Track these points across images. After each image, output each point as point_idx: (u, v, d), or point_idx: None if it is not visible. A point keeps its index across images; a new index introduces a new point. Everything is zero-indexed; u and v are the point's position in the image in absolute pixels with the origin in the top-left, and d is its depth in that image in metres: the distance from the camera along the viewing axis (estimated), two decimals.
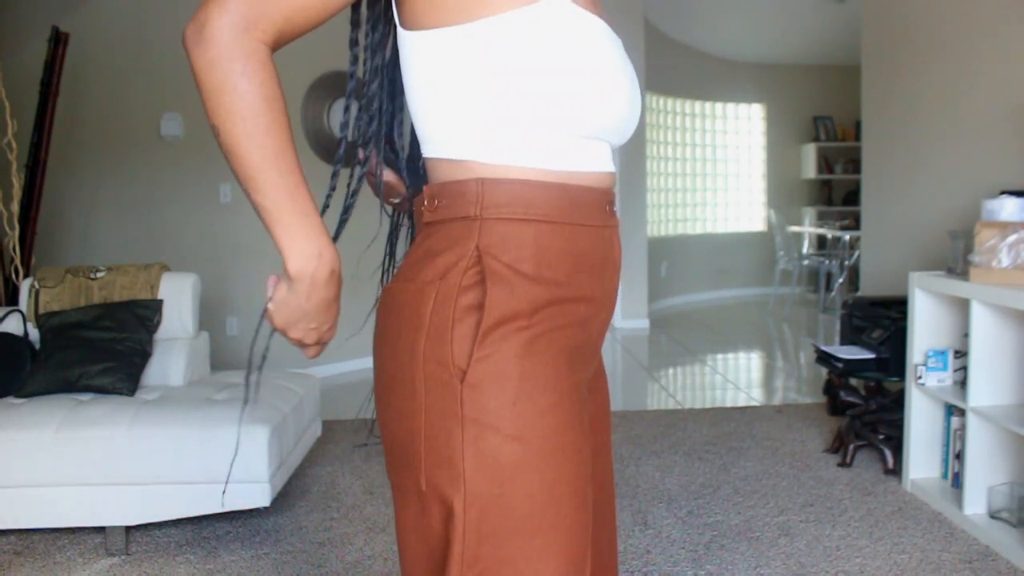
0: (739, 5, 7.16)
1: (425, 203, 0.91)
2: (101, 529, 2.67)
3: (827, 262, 7.77)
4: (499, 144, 0.87)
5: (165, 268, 3.10)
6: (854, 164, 8.41)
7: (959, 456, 2.81)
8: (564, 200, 0.90)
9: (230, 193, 4.81)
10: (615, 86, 0.90)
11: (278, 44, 0.83)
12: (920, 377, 2.94)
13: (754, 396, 4.63)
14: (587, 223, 0.93)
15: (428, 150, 0.93)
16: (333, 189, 0.98)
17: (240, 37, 0.78)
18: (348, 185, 1.00)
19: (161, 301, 3.00)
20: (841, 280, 7.62)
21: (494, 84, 0.85)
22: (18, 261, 3.73)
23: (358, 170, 0.99)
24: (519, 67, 0.84)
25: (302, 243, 0.84)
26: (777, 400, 4.52)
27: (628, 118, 0.94)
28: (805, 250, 8.43)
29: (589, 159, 0.93)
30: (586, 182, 0.93)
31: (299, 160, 0.84)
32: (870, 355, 3.26)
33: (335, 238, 0.93)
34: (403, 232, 1.10)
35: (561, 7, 0.85)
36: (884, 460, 3.20)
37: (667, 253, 8.00)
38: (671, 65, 7.73)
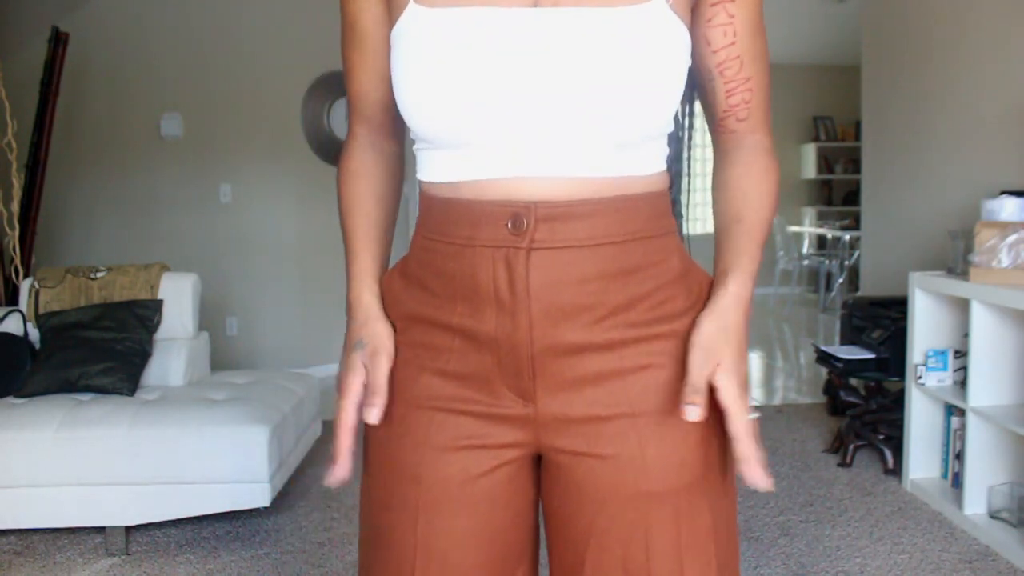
0: None
1: None
2: (101, 529, 2.67)
3: (827, 262, 7.77)
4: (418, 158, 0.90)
5: (165, 268, 3.10)
6: (854, 164, 8.41)
7: (959, 456, 2.81)
8: (440, 214, 0.84)
9: (230, 193, 4.81)
10: (441, 84, 0.79)
11: (377, 126, 0.95)
12: (920, 377, 2.94)
13: (754, 396, 4.63)
14: (467, 242, 0.82)
15: None
16: None
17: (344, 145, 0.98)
18: None
19: (161, 301, 3.00)
20: (841, 280, 7.62)
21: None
22: (18, 261, 3.73)
23: None
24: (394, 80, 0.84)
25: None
26: (777, 400, 4.52)
27: (472, 117, 0.79)
28: (805, 250, 8.43)
29: (462, 167, 0.82)
30: (467, 194, 0.82)
31: (362, 236, 0.94)
32: (870, 355, 3.26)
33: None
34: None
35: (415, 13, 0.81)
36: (884, 460, 3.20)
37: None
38: None
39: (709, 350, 0.82)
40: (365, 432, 0.91)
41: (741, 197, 0.90)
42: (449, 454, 0.84)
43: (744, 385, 0.83)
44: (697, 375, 0.80)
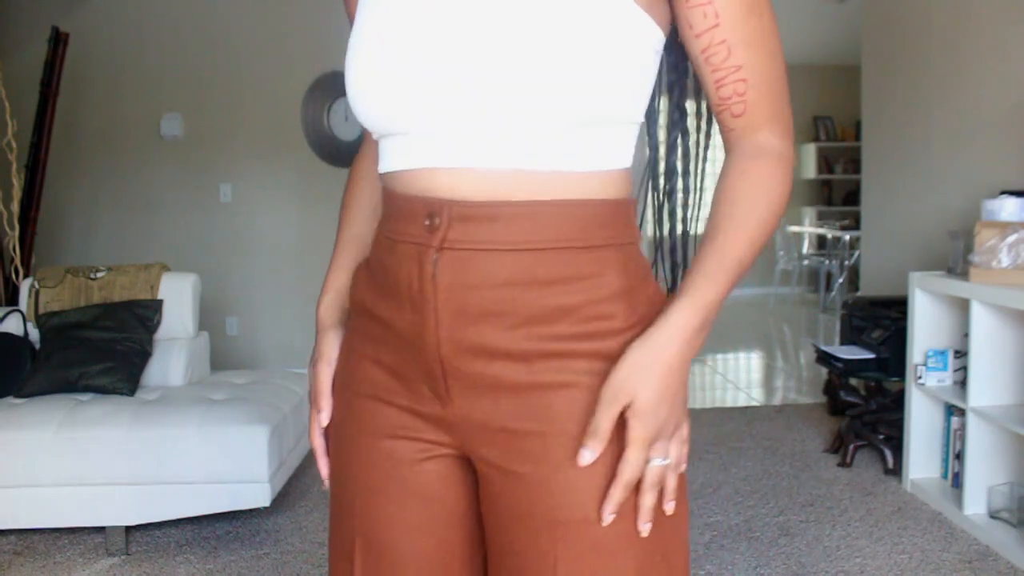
0: None
1: None
2: (101, 529, 2.67)
3: (827, 262, 7.77)
4: None
5: (165, 268, 3.10)
6: (854, 164, 8.41)
7: (959, 456, 2.81)
8: (384, 206, 0.85)
9: (230, 193, 4.81)
10: (366, 66, 0.77)
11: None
12: (920, 377, 2.94)
13: (754, 396, 4.63)
14: (395, 237, 0.81)
15: None
16: None
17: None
18: None
19: (161, 301, 3.00)
20: (841, 280, 7.62)
21: None
22: (18, 261, 3.73)
23: None
24: None
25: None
26: (777, 400, 4.52)
27: (394, 97, 0.76)
28: (805, 250, 8.43)
29: (395, 157, 0.81)
30: (399, 187, 0.81)
31: (340, 247, 0.99)
32: (870, 355, 3.26)
33: None
34: None
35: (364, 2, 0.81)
36: (884, 460, 3.20)
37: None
38: None
39: (621, 387, 0.74)
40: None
41: (727, 209, 0.80)
42: (381, 441, 0.85)
43: (661, 428, 0.75)
44: (601, 414, 0.74)
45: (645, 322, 0.78)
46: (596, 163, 0.78)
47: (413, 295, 0.78)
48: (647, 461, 0.75)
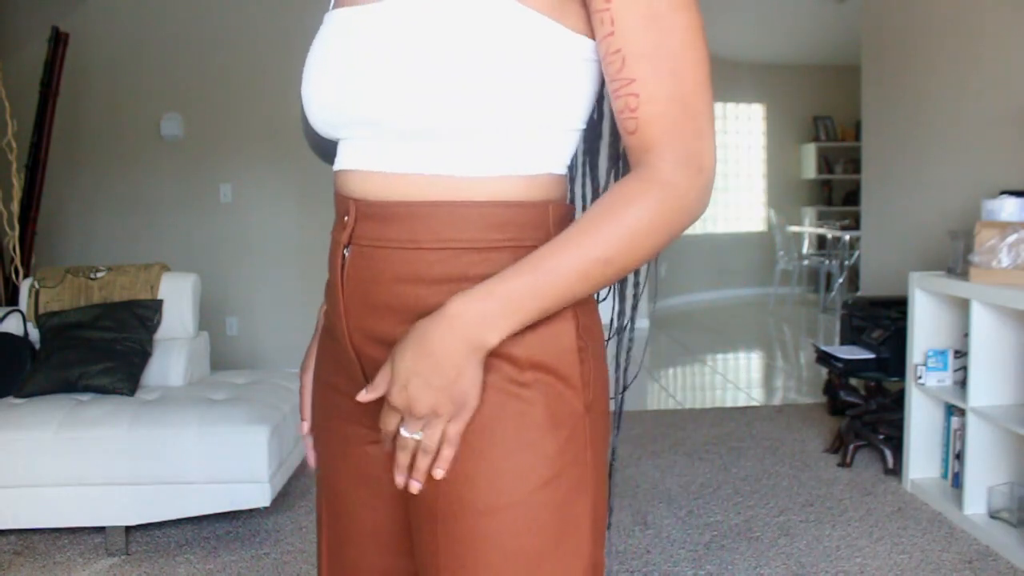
0: (739, 5, 7.15)
1: None
2: (101, 529, 2.67)
3: (827, 262, 7.77)
4: None
5: (165, 268, 3.10)
6: (854, 164, 8.41)
7: (959, 456, 2.81)
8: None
9: (230, 193, 4.81)
10: (307, 77, 0.83)
11: None
12: (920, 377, 2.94)
13: (754, 396, 4.63)
14: (331, 235, 0.86)
15: None
16: None
17: None
18: None
19: (161, 301, 3.00)
20: (841, 280, 7.62)
21: None
22: (18, 261, 3.73)
23: None
24: None
25: None
26: (777, 400, 4.52)
27: (319, 104, 0.81)
28: (805, 250, 8.43)
29: (341, 158, 0.86)
30: (337, 187, 0.86)
31: None
32: (870, 355, 3.26)
33: None
34: None
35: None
36: (884, 460, 3.20)
37: (667, 253, 8.00)
38: None
39: (393, 353, 0.76)
40: None
41: (578, 219, 0.76)
42: (338, 424, 0.91)
43: (409, 403, 0.75)
44: (380, 371, 0.77)
45: (543, 323, 0.77)
46: (503, 168, 0.77)
47: (333, 288, 0.85)
48: (399, 427, 0.77)
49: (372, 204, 0.80)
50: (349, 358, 0.85)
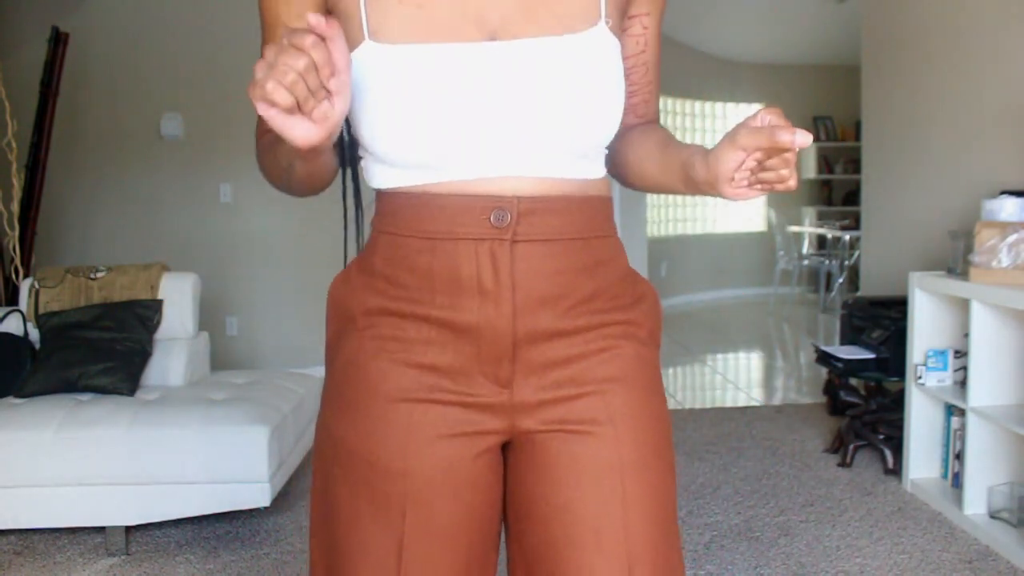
0: (739, 5, 7.15)
1: None
2: (101, 529, 2.67)
3: (827, 262, 7.77)
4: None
5: (165, 268, 3.10)
6: (854, 164, 8.41)
7: (959, 456, 2.81)
8: (410, 212, 0.87)
9: (230, 193, 4.80)
10: (416, 122, 0.82)
11: None
12: (920, 377, 2.94)
13: (754, 396, 4.63)
14: (440, 236, 0.85)
15: None
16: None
17: None
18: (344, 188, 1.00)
19: (161, 301, 3.00)
20: (841, 280, 7.62)
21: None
22: (18, 261, 3.73)
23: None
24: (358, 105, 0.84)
25: None
26: (777, 400, 4.52)
27: (449, 145, 0.83)
28: (805, 250, 8.43)
29: (434, 173, 0.87)
30: (447, 191, 0.85)
31: None
32: (870, 355, 3.26)
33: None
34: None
35: (374, 50, 0.83)
36: (884, 460, 3.20)
37: (667, 253, 8.00)
38: (671, 65, 7.72)
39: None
40: (325, 448, 0.92)
41: (667, 135, 0.97)
42: (435, 443, 0.87)
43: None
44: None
45: (639, 301, 0.95)
46: (602, 170, 0.94)
47: (485, 287, 0.84)
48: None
49: (535, 200, 0.85)
50: (496, 358, 0.86)
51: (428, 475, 0.87)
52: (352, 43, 0.83)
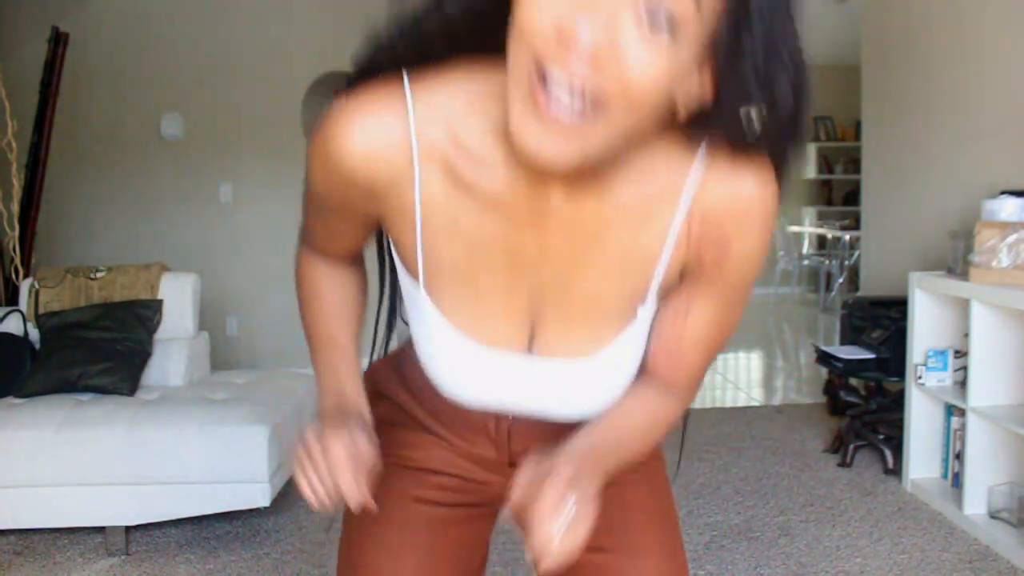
0: None
1: None
2: (101, 529, 2.67)
3: (827, 262, 7.77)
4: None
5: (165, 268, 3.10)
6: (854, 164, 8.40)
7: (959, 456, 2.81)
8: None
9: (230, 193, 4.80)
10: (462, 382, 0.94)
11: (336, 258, 1.01)
12: (920, 377, 2.94)
13: (754, 396, 4.63)
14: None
15: None
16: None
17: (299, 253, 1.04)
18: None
19: (161, 301, 3.00)
20: (841, 280, 7.62)
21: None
22: (18, 261, 3.73)
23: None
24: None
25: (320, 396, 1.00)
26: (777, 400, 4.52)
27: (477, 401, 0.96)
28: (805, 250, 8.43)
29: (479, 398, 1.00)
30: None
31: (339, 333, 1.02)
32: (870, 355, 3.26)
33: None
34: None
35: (428, 307, 0.89)
36: (884, 460, 3.20)
37: None
38: None
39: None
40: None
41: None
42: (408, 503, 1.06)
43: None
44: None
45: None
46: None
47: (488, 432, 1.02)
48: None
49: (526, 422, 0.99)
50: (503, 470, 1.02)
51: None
52: (407, 255, 0.89)
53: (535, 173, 0.75)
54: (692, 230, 0.82)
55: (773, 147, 0.79)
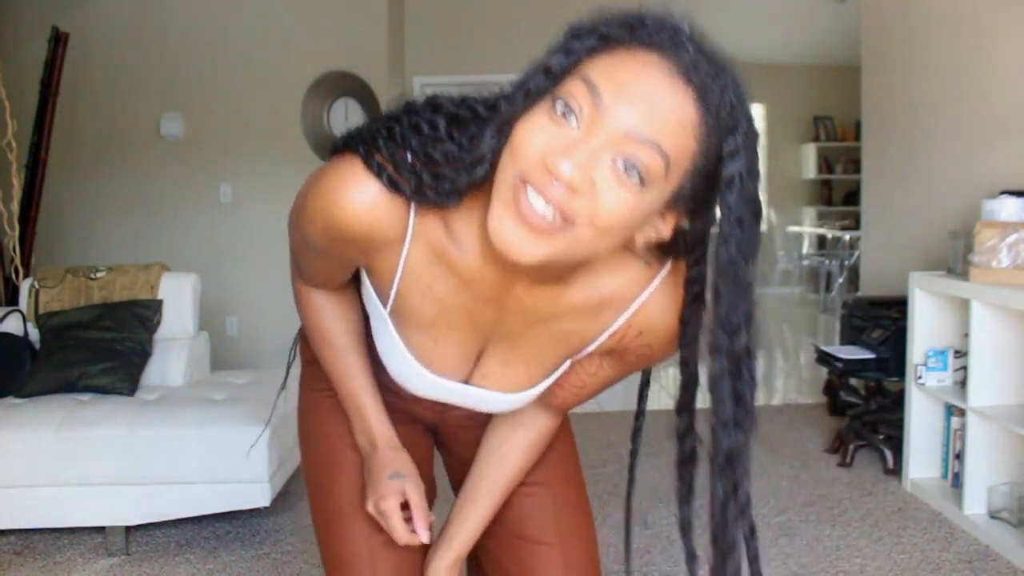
0: (739, 5, 7.16)
1: None
2: (101, 529, 2.67)
3: (827, 262, 7.77)
4: None
5: (165, 268, 3.10)
6: (854, 164, 8.39)
7: (959, 456, 2.81)
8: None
9: (230, 193, 4.80)
10: (408, 383, 1.07)
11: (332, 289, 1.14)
12: (920, 377, 2.94)
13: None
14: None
15: None
16: None
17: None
18: None
19: (161, 301, 3.00)
20: (841, 280, 7.62)
21: None
22: (18, 261, 3.73)
23: None
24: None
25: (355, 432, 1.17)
26: (777, 400, 4.52)
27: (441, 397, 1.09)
28: (805, 250, 8.44)
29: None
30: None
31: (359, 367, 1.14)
32: (870, 355, 3.26)
33: None
34: None
35: (392, 333, 1.01)
36: (884, 460, 3.20)
37: None
38: None
39: None
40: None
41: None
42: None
43: None
44: None
45: None
46: None
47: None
48: None
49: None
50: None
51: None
52: (382, 289, 1.00)
53: (505, 266, 0.87)
54: (627, 333, 0.98)
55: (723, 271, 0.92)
